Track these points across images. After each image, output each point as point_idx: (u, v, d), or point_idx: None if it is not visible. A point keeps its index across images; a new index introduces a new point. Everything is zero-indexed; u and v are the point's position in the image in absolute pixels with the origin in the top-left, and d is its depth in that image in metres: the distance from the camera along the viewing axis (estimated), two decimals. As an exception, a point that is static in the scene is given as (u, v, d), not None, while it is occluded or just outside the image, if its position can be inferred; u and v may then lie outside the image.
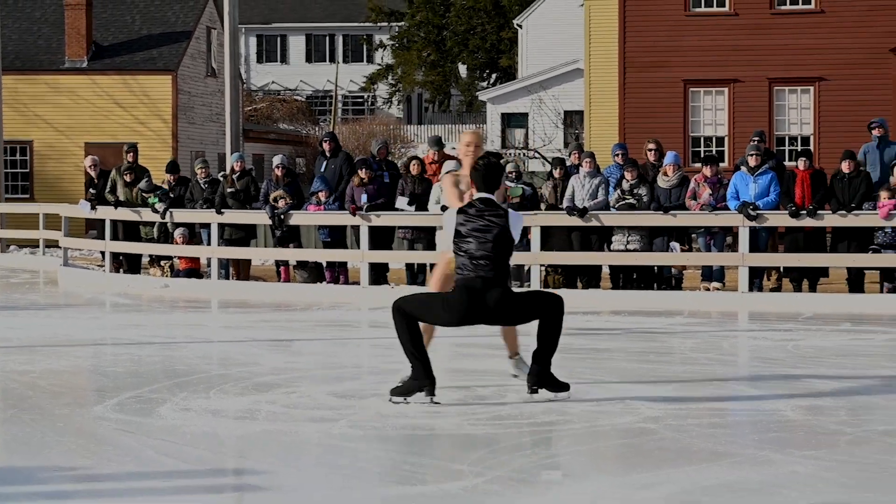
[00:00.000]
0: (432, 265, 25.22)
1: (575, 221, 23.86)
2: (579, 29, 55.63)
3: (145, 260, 30.71)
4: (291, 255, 27.70)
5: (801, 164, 24.66)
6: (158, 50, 54.59)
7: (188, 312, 25.25)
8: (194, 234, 28.63)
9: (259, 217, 27.42)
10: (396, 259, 27.48)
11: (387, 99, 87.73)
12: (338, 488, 9.79)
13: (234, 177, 28.24)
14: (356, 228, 26.34)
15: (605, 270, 25.35)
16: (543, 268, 24.77)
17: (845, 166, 24.19)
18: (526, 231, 23.93)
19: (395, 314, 12.95)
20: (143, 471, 10.50)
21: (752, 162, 24.40)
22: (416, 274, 26.92)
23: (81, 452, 11.23)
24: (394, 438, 11.89)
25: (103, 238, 30.38)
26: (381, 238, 26.58)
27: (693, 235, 25.53)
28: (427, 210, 25.26)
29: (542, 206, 25.87)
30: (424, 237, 25.99)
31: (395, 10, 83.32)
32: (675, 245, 25.17)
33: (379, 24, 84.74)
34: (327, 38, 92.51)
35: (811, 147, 38.56)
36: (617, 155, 26.45)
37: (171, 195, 28.59)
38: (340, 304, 25.43)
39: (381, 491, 9.83)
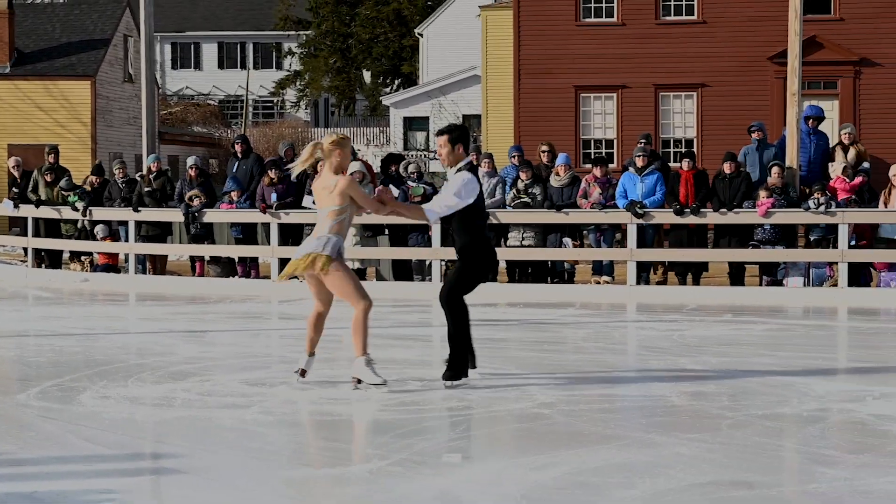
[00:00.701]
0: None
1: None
2: (476, 38, 55.77)
3: (66, 256, 30.42)
4: (205, 250, 27.56)
5: (685, 165, 24.86)
6: (78, 57, 54.25)
7: (107, 305, 25.07)
8: (112, 231, 28.43)
9: (174, 215, 27.30)
10: (304, 254, 27.31)
11: (295, 103, 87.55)
12: (249, 470, 9.75)
13: (151, 177, 28.13)
14: (266, 225, 26.27)
15: (502, 265, 25.36)
16: (443, 262, 24.75)
17: (727, 167, 24.38)
18: (427, 228, 23.97)
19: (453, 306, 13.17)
20: (64, 455, 10.43)
21: (639, 163, 24.55)
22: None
23: (5, 437, 11.12)
24: (302, 424, 11.88)
25: (26, 235, 30.15)
26: (290, 234, 26.49)
27: (584, 232, 25.64)
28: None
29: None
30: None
31: (303, 19, 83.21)
32: (568, 241, 25.28)
33: (287, 32, 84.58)
34: (238, 46, 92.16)
35: (694, 149, 38.82)
36: (513, 156, 26.53)
37: (91, 195, 28.36)
38: (252, 297, 25.34)
39: (290, 473, 9.81)
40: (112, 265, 28.85)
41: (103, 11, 56.35)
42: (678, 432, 10.91)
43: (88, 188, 28.89)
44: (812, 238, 24.15)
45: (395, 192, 23.42)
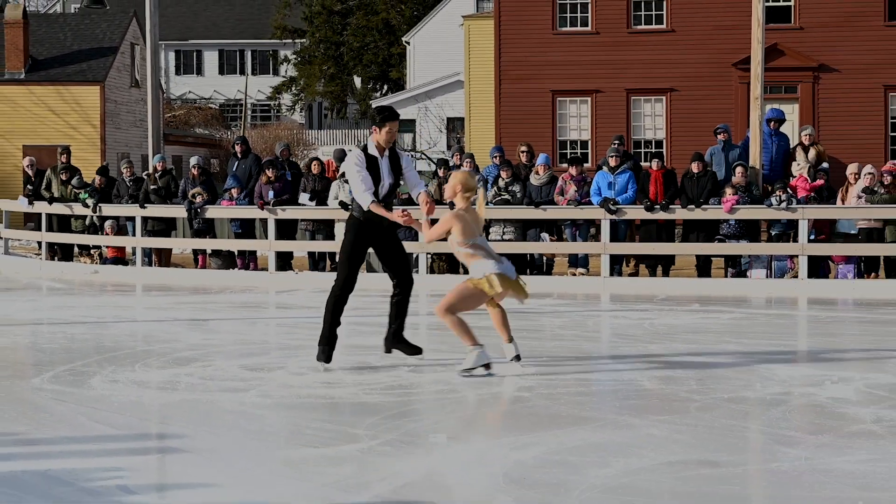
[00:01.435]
0: (331, 253, 25.25)
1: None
2: (460, 46, 55.77)
3: (77, 249, 30.43)
4: (207, 244, 27.54)
5: (654, 164, 24.87)
6: (88, 63, 54.36)
7: (115, 296, 25.02)
8: (120, 226, 28.47)
9: (178, 211, 27.32)
10: (300, 248, 27.38)
11: (290, 107, 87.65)
12: (248, 450, 9.75)
13: (156, 175, 28.14)
14: (264, 221, 26.26)
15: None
16: (429, 255, 24.75)
17: (694, 167, 24.41)
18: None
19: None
20: (76, 435, 10.43)
21: (612, 163, 24.56)
22: (318, 261, 26.88)
23: (21, 419, 11.13)
24: (298, 406, 11.83)
25: (39, 230, 30.19)
26: (286, 229, 26.51)
27: (561, 227, 25.60)
28: (326, 205, 25.30)
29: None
30: (324, 228, 26.01)
31: (298, 28, 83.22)
32: (545, 235, 25.29)
33: (283, 40, 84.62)
34: (238, 53, 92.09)
35: (664, 150, 38.90)
36: (494, 157, 26.52)
37: (99, 192, 28.41)
38: (250, 288, 25.29)
39: (287, 452, 9.78)
40: (120, 258, 28.84)
41: (112, 21, 56.41)
42: (649, 414, 10.91)
43: (98, 186, 28.89)
44: (773, 233, 24.18)
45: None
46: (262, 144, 62.83)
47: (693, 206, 23.55)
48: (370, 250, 13.88)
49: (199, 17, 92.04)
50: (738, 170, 24.03)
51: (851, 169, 23.81)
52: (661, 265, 24.90)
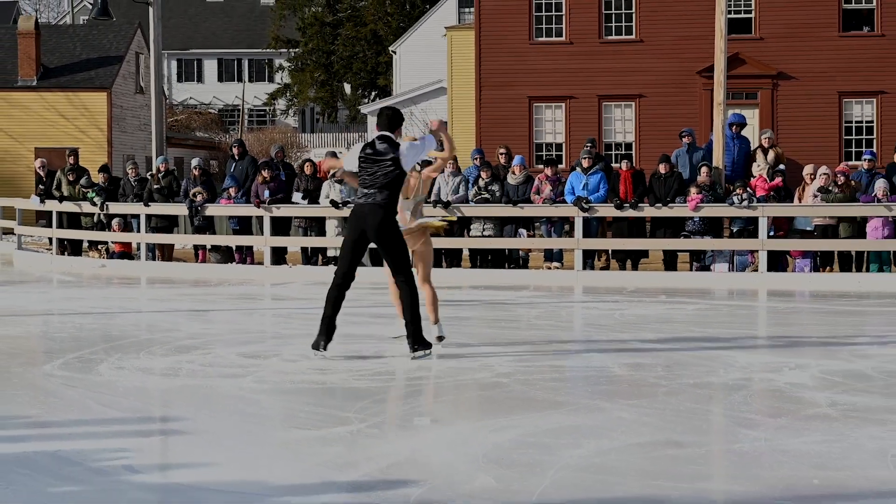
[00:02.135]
0: (323, 249, 25.27)
1: (441, 212, 23.78)
2: (443, 55, 55.78)
3: (85, 244, 30.42)
4: (207, 240, 27.53)
5: (624, 165, 24.88)
6: (95, 71, 54.51)
7: (121, 288, 24.98)
8: (126, 223, 28.47)
9: (180, 209, 27.31)
10: (293, 244, 27.34)
11: (284, 112, 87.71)
12: (245, 432, 9.75)
13: (160, 176, 28.15)
14: (260, 218, 26.23)
15: (465, 253, 25.36)
16: (413, 251, 24.74)
17: (661, 167, 24.44)
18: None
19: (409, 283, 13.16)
20: (84, 418, 10.42)
21: (584, 164, 24.57)
22: (310, 256, 26.85)
23: (33, 403, 11.13)
24: (292, 391, 11.83)
25: (51, 226, 30.21)
26: (281, 226, 26.49)
27: (537, 224, 25.62)
28: (318, 203, 25.31)
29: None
30: (316, 225, 26.01)
31: (292, 38, 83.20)
32: (523, 231, 25.33)
33: (278, 50, 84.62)
34: (235, 62, 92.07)
35: (633, 152, 38.94)
36: (475, 158, 26.49)
37: (105, 191, 28.45)
38: (247, 281, 25.29)
39: (281, 434, 9.79)
40: (126, 252, 28.83)
41: (118, 32, 56.41)
42: (619, 399, 10.92)
43: (103, 184, 28.91)
44: (735, 229, 24.19)
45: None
46: (258, 147, 62.82)
47: (660, 205, 23.58)
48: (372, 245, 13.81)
49: (200, 28, 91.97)
50: (703, 170, 24.07)
51: (807, 170, 23.86)
52: (631, 259, 24.90)
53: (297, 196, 25.96)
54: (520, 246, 25.60)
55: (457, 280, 23.61)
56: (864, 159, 24.89)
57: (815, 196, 23.07)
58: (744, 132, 27.09)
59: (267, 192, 25.84)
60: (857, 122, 39.44)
